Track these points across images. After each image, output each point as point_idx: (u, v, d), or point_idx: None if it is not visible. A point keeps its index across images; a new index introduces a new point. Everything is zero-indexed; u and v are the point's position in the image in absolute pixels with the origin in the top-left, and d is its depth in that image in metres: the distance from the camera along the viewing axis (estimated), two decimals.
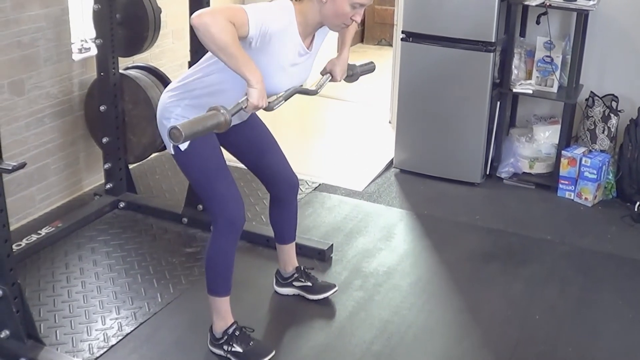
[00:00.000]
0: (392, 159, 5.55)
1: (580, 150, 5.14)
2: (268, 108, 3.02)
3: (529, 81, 5.27)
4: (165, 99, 3.24)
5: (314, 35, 3.20)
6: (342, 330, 3.69)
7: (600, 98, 5.21)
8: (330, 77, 3.51)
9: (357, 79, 3.70)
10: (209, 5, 4.23)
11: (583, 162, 5.05)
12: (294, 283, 3.88)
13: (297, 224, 3.84)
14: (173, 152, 3.22)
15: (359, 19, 3.06)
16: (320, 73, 3.53)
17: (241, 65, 2.83)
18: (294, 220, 3.81)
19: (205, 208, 3.38)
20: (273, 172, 3.54)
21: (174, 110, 3.17)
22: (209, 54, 3.13)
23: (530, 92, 5.21)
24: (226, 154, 3.33)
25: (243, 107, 2.89)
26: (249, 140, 3.43)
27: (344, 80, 3.61)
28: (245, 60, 2.84)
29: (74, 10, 4.74)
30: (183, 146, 3.14)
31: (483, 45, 5.00)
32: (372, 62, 3.77)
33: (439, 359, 3.58)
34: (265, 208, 3.97)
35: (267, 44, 2.97)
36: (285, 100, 3.15)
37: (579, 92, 5.30)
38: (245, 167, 3.62)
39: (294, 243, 3.87)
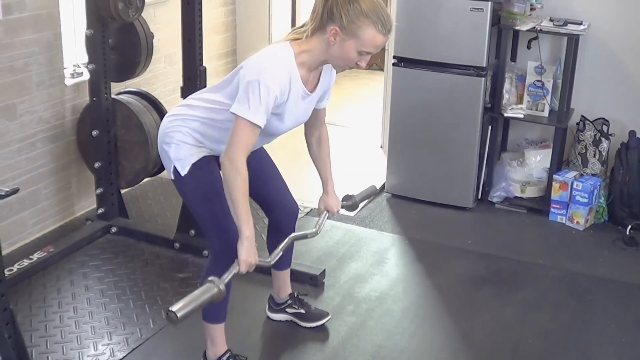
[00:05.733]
0: (384, 184, 5.56)
1: (571, 174, 5.16)
2: (266, 265, 3.12)
3: (520, 105, 5.29)
4: (166, 123, 3.24)
5: (319, 74, 3.17)
6: (336, 355, 3.67)
7: (591, 122, 5.23)
8: (327, 214, 3.57)
9: (357, 207, 3.75)
10: (201, 22, 4.26)
11: (574, 186, 5.07)
12: (287, 309, 3.87)
13: (293, 251, 3.84)
14: (173, 177, 3.22)
15: (364, 65, 3.03)
16: (317, 213, 3.59)
17: (240, 217, 2.94)
18: (291, 247, 3.81)
19: (204, 234, 3.36)
20: (274, 199, 3.53)
21: (174, 136, 3.17)
22: (222, 92, 3.15)
23: (522, 116, 5.24)
24: None
25: (235, 271, 2.95)
26: (254, 169, 3.38)
27: (345, 210, 3.71)
28: (245, 214, 2.94)
29: (66, 35, 4.75)
30: (183, 171, 3.15)
31: (474, 70, 5.03)
32: (372, 186, 3.82)
33: None
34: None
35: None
36: (282, 252, 3.22)
37: (570, 116, 5.33)
38: None
39: (289, 270, 3.86)
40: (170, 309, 2.67)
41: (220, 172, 3.16)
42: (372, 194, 3.81)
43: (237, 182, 2.90)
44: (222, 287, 2.81)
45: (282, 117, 3.07)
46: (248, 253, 2.96)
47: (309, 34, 3.01)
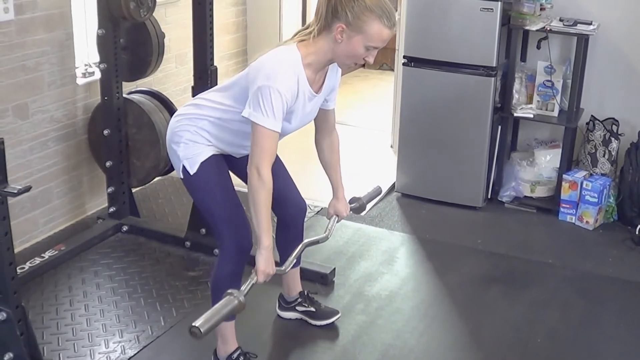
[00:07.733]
0: (394, 183, 5.57)
1: (581, 174, 5.16)
2: (281, 273, 3.18)
3: (529, 105, 5.30)
4: (174, 123, 3.26)
5: (325, 75, 3.19)
6: (345, 354, 3.69)
7: (601, 122, 5.24)
8: (337, 218, 3.61)
9: (364, 209, 3.78)
10: (212, 22, 4.28)
11: (584, 186, 5.07)
12: (297, 308, 3.88)
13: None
14: (182, 176, 3.24)
15: (371, 60, 3.06)
16: (327, 217, 3.63)
17: (261, 227, 2.99)
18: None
19: (213, 232, 3.38)
20: (281, 196, 3.53)
21: (183, 135, 3.19)
22: (230, 92, 3.17)
23: (531, 116, 5.24)
24: (234, 179, 3.34)
25: (254, 282, 2.97)
26: None
27: (353, 212, 3.74)
28: (266, 224, 2.99)
29: (78, 35, 4.78)
30: (192, 170, 3.17)
31: (484, 70, 5.03)
32: (378, 187, 3.88)
33: None
34: None
35: None
36: (295, 258, 3.26)
37: (580, 116, 5.33)
38: None
39: (298, 268, 3.88)
40: (193, 324, 2.70)
41: (229, 172, 3.20)
42: (377, 194, 3.88)
43: (261, 193, 2.96)
44: (242, 299, 2.85)
45: (290, 119, 3.10)
46: (267, 264, 3.00)
47: (315, 34, 3.04)
